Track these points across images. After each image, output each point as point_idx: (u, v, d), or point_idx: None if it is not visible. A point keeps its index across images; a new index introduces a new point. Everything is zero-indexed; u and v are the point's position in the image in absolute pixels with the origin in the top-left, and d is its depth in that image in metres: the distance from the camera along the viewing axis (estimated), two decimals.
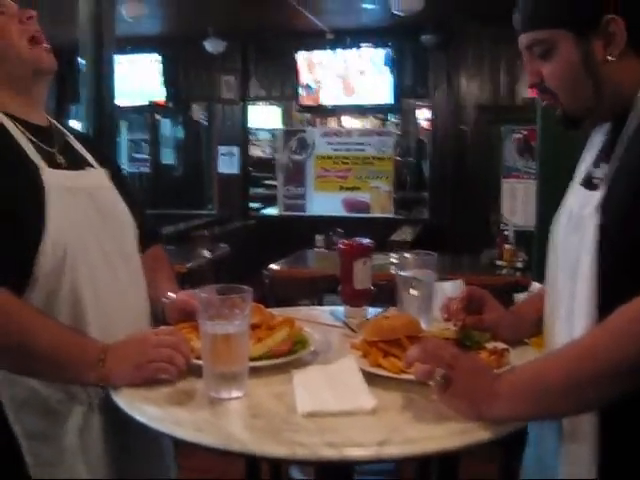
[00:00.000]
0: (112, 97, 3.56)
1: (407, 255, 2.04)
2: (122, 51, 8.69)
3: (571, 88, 1.41)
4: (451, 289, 2.29)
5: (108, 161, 1.95)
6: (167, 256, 2.13)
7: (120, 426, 1.58)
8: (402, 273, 1.96)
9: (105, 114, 3.45)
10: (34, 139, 1.67)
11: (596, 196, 1.36)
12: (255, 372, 1.54)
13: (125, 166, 9.64)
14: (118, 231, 1.79)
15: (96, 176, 1.81)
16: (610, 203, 1.32)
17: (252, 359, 1.53)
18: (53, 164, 1.67)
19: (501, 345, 1.64)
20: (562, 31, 1.38)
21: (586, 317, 1.33)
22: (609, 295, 1.27)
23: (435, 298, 1.99)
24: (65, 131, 1.86)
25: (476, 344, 1.64)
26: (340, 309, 2.17)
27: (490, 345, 1.65)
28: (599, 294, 1.32)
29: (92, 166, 1.82)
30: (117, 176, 1.92)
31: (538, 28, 1.42)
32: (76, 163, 1.77)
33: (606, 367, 1.20)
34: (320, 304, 4.30)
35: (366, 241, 2.15)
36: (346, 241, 2.17)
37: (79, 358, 1.51)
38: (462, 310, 1.76)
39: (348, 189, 8.30)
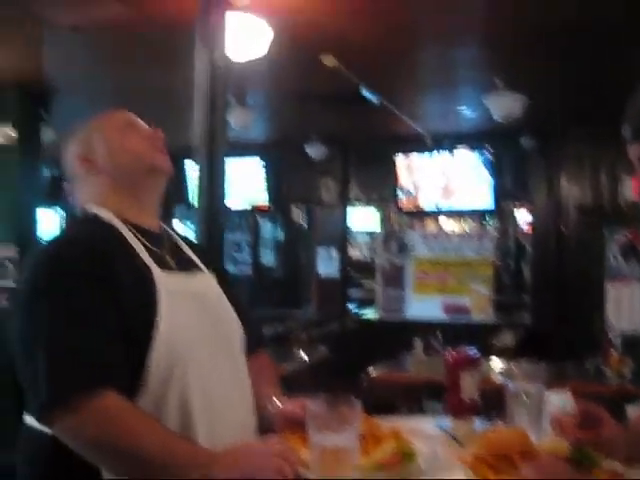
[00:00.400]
0: (224, 201, 3.70)
1: (515, 366, 2.01)
2: (226, 155, 8.99)
3: None
4: (558, 400, 2.23)
5: (216, 265, 2.01)
6: (272, 362, 2.15)
7: None
8: (511, 385, 1.93)
9: (217, 218, 3.59)
10: (146, 243, 1.75)
11: None
12: None
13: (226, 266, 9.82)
14: (226, 335, 1.83)
15: (205, 280, 1.87)
16: None
17: (360, 472, 1.52)
18: (164, 266, 1.74)
19: (617, 465, 1.58)
20: None
21: None
22: None
23: (545, 410, 1.94)
24: (174, 235, 1.94)
25: (592, 463, 1.58)
26: (446, 420, 2.14)
27: (606, 464, 1.59)
28: None
29: (201, 270, 1.89)
30: (225, 280, 1.97)
31: None
32: (185, 266, 1.84)
33: None
34: (420, 410, 4.24)
35: (473, 351, 2.13)
36: (453, 351, 2.15)
37: (188, 466, 1.52)
38: (575, 426, 1.70)
39: (447, 292, 8.23)
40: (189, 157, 5.97)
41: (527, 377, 1.98)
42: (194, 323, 1.72)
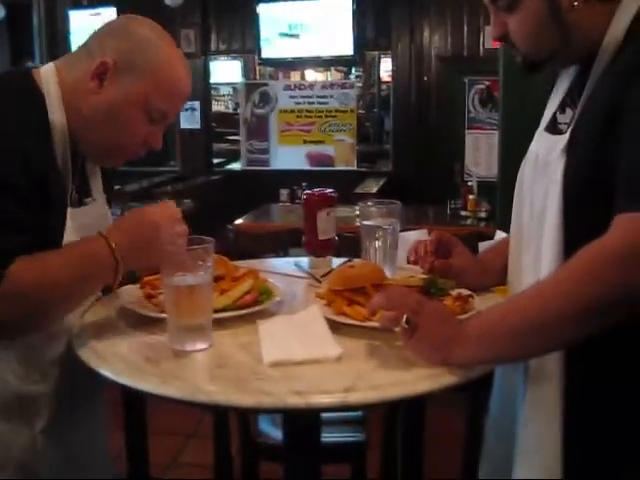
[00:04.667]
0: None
1: (370, 204, 2.02)
2: (77, 7, 8.48)
3: (537, 39, 1.38)
4: (416, 238, 2.29)
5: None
6: None
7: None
8: (365, 222, 1.95)
9: None
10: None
11: (562, 140, 1.35)
12: (220, 324, 1.53)
13: None
14: None
15: (94, 210, 1.76)
16: (575, 146, 1.31)
17: (217, 311, 1.53)
18: (72, 203, 1.64)
19: (466, 292, 1.64)
20: None
21: (553, 262, 1.33)
22: (575, 240, 1.27)
23: (399, 247, 1.99)
24: None
25: (440, 291, 1.64)
26: (305, 260, 2.17)
27: (455, 292, 1.65)
28: (566, 239, 1.32)
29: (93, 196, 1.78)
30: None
31: None
32: (84, 194, 1.73)
33: (569, 308, 1.19)
34: (285, 257, 4.30)
35: (329, 191, 2.14)
36: (309, 191, 2.16)
37: (99, 272, 1.51)
38: (431, 253, 1.75)
39: (312, 143, 8.24)
40: None
41: (384, 216, 2.00)
42: None
